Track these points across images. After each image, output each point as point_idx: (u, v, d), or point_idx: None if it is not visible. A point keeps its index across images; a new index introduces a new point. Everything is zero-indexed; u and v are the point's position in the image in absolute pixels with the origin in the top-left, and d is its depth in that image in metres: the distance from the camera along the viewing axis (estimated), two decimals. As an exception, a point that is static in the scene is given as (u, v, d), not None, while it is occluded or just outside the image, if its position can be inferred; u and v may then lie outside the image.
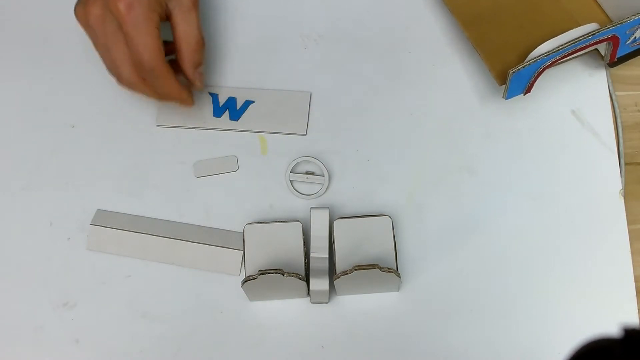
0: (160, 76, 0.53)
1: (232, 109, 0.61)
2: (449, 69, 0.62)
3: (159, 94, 0.56)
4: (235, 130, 0.60)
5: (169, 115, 0.60)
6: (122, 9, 0.50)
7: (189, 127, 0.60)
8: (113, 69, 0.54)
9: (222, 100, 0.61)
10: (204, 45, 0.56)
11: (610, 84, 0.61)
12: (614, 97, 0.61)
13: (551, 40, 0.56)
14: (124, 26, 0.50)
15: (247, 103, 0.61)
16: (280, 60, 0.63)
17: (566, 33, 0.56)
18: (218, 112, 0.61)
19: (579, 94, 0.61)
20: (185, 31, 0.54)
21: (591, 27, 0.57)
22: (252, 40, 0.63)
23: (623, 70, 0.62)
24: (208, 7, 0.64)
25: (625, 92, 0.61)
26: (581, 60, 0.62)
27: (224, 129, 0.60)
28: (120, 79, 0.54)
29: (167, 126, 0.60)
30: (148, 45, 0.51)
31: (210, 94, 0.61)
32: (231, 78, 0.62)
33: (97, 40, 0.53)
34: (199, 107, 0.60)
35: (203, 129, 0.60)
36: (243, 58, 0.63)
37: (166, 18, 0.54)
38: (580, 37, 0.55)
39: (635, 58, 0.62)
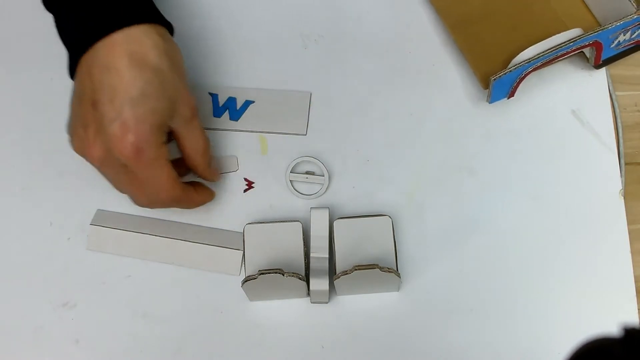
0: (182, 201, 0.53)
1: (232, 109, 0.61)
2: (449, 69, 0.62)
3: (193, 206, 0.56)
4: (235, 130, 0.60)
5: None
6: (130, 155, 0.47)
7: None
8: (128, 194, 0.52)
9: (221, 100, 0.61)
10: (209, 143, 0.54)
11: (610, 84, 0.61)
12: (614, 97, 0.61)
13: (534, 46, 0.57)
14: (135, 171, 0.48)
15: (247, 103, 0.61)
16: (280, 60, 0.63)
17: (549, 39, 0.57)
18: (218, 112, 0.61)
19: (579, 94, 0.61)
20: (193, 144, 0.53)
21: (574, 32, 0.57)
22: (252, 40, 0.63)
23: (623, 70, 0.62)
24: (208, 7, 0.64)
25: (625, 92, 0.61)
26: (581, 60, 0.62)
27: (224, 129, 0.60)
28: (139, 204, 0.53)
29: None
30: (164, 186, 0.50)
31: (210, 93, 0.61)
32: (231, 78, 0.62)
33: (103, 174, 0.51)
34: (198, 108, 0.60)
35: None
36: (243, 58, 0.63)
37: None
38: (563, 43, 0.56)
39: (636, 58, 0.62)
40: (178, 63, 0.51)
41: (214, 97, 0.61)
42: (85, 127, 0.48)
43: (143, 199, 0.52)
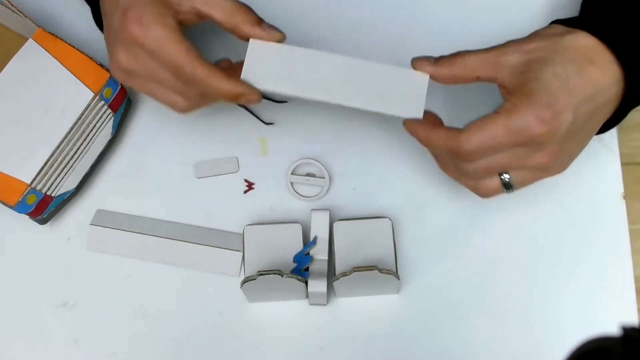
0: (206, 77, 0.47)
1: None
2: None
3: (222, 96, 0.49)
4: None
5: None
6: (135, 31, 0.46)
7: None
8: (166, 102, 0.50)
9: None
10: (244, 5, 0.48)
11: None
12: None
13: None
14: (146, 46, 0.46)
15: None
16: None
17: None
18: None
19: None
20: (213, 5, 0.48)
21: None
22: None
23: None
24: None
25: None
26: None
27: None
28: (177, 108, 0.50)
29: None
30: (184, 62, 0.46)
31: None
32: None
33: (139, 84, 0.50)
34: None
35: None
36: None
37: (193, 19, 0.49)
38: None
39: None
40: None
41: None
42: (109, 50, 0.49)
43: (169, 89, 0.49)
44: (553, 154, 0.46)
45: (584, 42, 0.45)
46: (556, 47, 0.46)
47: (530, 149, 0.45)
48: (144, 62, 0.48)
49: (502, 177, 0.48)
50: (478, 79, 0.48)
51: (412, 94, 0.49)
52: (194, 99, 0.50)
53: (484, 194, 0.50)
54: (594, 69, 0.45)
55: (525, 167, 0.47)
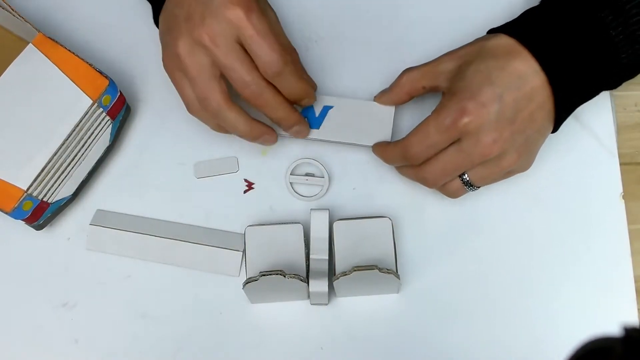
0: (294, 73, 0.51)
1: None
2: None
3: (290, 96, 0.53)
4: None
5: None
6: (242, 13, 0.48)
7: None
8: (186, 99, 0.52)
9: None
10: (287, 61, 0.50)
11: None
12: (612, 99, 0.61)
13: None
14: (248, 39, 0.48)
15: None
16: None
17: None
18: None
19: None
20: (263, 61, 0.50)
21: None
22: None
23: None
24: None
25: (625, 92, 0.61)
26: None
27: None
28: (191, 109, 0.52)
29: None
30: (275, 51, 0.49)
31: None
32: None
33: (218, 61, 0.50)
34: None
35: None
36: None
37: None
38: None
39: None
40: None
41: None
42: (179, 34, 0.49)
43: (254, 74, 0.50)
44: (494, 143, 0.49)
45: (505, 42, 0.50)
46: (480, 50, 0.51)
47: (468, 142, 0.49)
48: (230, 47, 0.49)
49: (461, 178, 0.52)
50: (424, 89, 0.55)
51: (380, 124, 0.57)
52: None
53: (453, 194, 0.54)
54: (515, 60, 0.49)
55: (475, 162, 0.50)
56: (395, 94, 0.56)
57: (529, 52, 0.49)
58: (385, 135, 0.57)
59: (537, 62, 0.49)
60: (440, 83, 0.53)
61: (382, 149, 0.56)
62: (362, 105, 0.58)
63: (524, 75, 0.49)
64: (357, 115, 0.58)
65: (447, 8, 0.63)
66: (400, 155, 0.53)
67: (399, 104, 0.57)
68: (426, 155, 0.51)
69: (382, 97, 0.57)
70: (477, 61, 0.50)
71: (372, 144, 0.57)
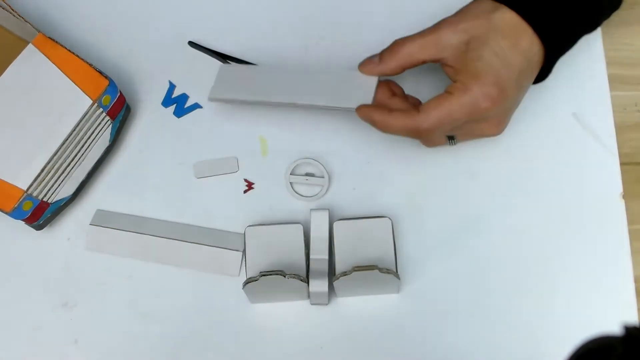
0: None
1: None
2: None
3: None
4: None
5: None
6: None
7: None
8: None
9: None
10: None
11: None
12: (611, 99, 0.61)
13: None
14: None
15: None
16: (282, 62, 0.62)
17: None
18: (166, 102, 0.61)
19: (579, 97, 0.61)
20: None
21: None
22: (252, 41, 0.63)
23: (623, 70, 0.62)
24: (212, 11, 0.64)
25: (625, 92, 0.61)
26: (581, 61, 0.62)
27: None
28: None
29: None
30: None
31: (170, 82, 0.62)
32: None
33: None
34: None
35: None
36: (245, 59, 0.63)
37: None
38: None
39: (635, 58, 0.62)
40: None
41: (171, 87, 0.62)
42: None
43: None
44: (498, 123, 0.53)
45: (509, 18, 0.51)
46: (489, 26, 0.51)
47: (478, 120, 0.52)
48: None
49: (449, 139, 0.54)
50: (424, 62, 0.53)
51: (362, 91, 0.54)
52: None
53: (430, 146, 0.55)
54: (522, 41, 0.51)
55: (471, 132, 0.54)
56: (388, 66, 0.53)
57: (531, 28, 0.51)
58: (367, 99, 0.54)
59: (538, 37, 0.51)
60: (446, 57, 0.52)
61: (382, 115, 0.52)
62: (344, 74, 0.55)
63: (531, 54, 0.51)
64: (337, 82, 0.55)
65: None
66: (409, 129, 0.52)
67: (389, 75, 0.55)
68: (445, 134, 0.53)
69: (368, 67, 0.54)
70: (490, 41, 0.50)
71: (355, 107, 0.53)
